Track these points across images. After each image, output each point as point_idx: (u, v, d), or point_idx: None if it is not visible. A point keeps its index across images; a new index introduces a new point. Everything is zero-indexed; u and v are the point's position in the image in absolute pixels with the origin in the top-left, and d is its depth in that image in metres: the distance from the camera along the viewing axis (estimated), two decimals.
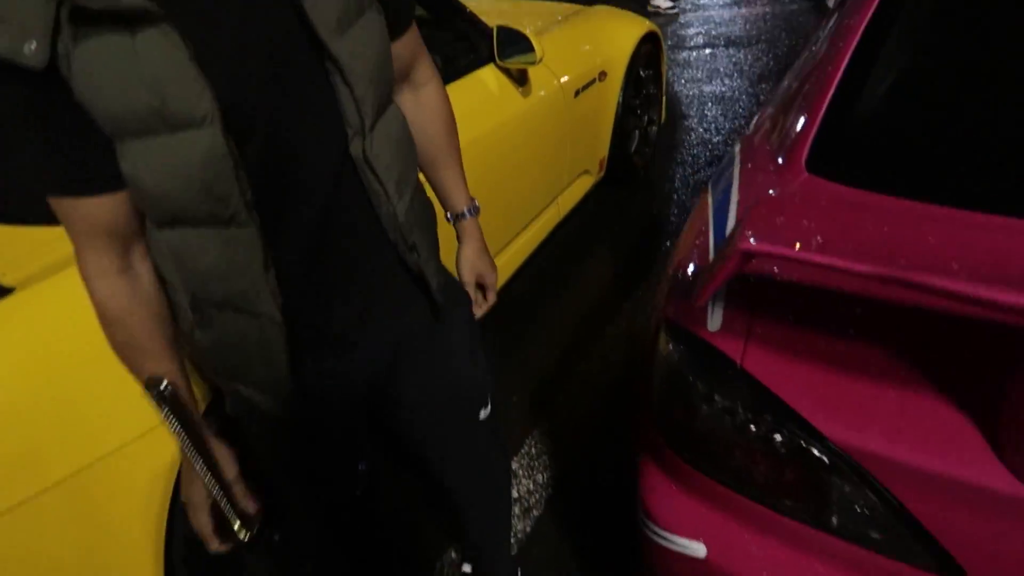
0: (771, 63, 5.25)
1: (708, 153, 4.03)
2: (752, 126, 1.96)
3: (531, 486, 2.16)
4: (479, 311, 1.41)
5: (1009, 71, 1.44)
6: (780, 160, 1.54)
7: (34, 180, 0.89)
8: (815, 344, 1.10)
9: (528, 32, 2.37)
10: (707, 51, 5.62)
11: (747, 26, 6.12)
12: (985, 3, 1.60)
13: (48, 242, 1.38)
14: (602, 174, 3.36)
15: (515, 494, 2.14)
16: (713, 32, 6.07)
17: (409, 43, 1.14)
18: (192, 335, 1.03)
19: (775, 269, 1.11)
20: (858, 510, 1.04)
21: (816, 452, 1.04)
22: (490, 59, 2.44)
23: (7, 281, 1.33)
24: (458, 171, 1.32)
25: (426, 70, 1.21)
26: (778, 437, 1.07)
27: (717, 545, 1.17)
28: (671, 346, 1.23)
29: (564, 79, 2.78)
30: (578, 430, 2.34)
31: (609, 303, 2.91)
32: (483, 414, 1.38)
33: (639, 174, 3.74)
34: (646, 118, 3.67)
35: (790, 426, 1.06)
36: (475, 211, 1.36)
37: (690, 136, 4.25)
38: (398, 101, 1.17)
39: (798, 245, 0.90)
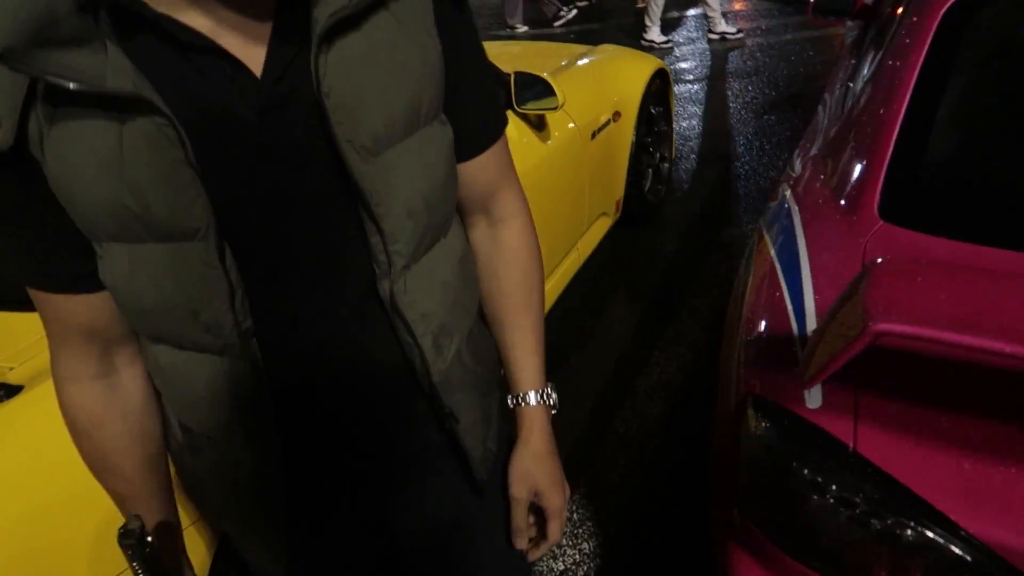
0: (773, 95, 5.20)
1: (722, 188, 3.95)
2: (797, 167, 1.86)
3: (577, 556, 2.01)
4: (534, 552, 1.03)
5: None
6: (845, 206, 1.43)
7: (8, 265, 0.76)
8: (939, 421, 0.98)
9: (547, 76, 2.28)
10: (707, 84, 5.58)
11: (743, 58, 6.10)
12: None
13: None
14: (619, 215, 3.26)
15: (561, 566, 1.99)
16: (710, 65, 6.04)
17: (489, 166, 0.88)
18: (181, 458, 0.89)
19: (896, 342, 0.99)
20: None
21: (956, 550, 0.91)
22: (507, 106, 2.34)
23: (15, 378, 1.20)
24: (532, 339, 0.97)
25: (510, 203, 0.93)
26: (908, 533, 0.94)
27: None
28: (764, 425, 1.10)
29: (580, 122, 2.69)
30: (620, 491, 2.20)
31: (637, 352, 2.79)
32: None
33: (654, 212, 3.64)
34: (658, 155, 3.59)
35: (922, 520, 0.93)
36: (548, 401, 0.98)
37: (701, 171, 4.17)
38: (472, 235, 0.95)
39: (943, 326, 0.78)
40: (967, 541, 0.90)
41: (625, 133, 3.12)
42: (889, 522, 0.95)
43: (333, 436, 0.88)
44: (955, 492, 0.92)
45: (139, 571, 0.79)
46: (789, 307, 1.26)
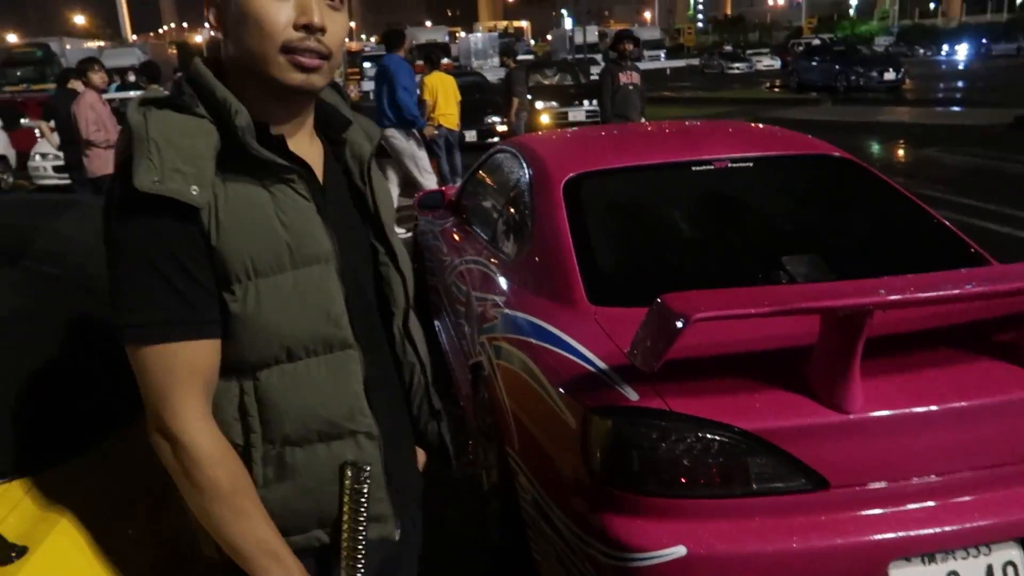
0: None
1: None
2: (499, 300, 2.61)
3: None
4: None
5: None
6: (568, 303, 2.21)
7: (148, 318, 0.98)
8: (702, 377, 1.76)
9: None
10: None
11: None
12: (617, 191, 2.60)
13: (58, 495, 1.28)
14: None
15: None
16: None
17: None
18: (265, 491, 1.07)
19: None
20: (764, 470, 1.68)
21: (736, 442, 1.66)
22: None
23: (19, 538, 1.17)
24: None
25: None
26: (714, 441, 1.66)
27: (689, 540, 1.67)
28: (611, 423, 1.74)
29: None
30: None
31: None
32: None
33: None
34: None
35: (716, 431, 1.67)
36: None
37: None
38: None
39: (722, 308, 1.56)
40: (742, 433, 1.66)
41: None
42: (701, 440, 1.67)
43: (395, 436, 1.21)
44: (726, 411, 1.68)
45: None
46: (574, 358, 1.95)
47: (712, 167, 2.70)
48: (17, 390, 1.41)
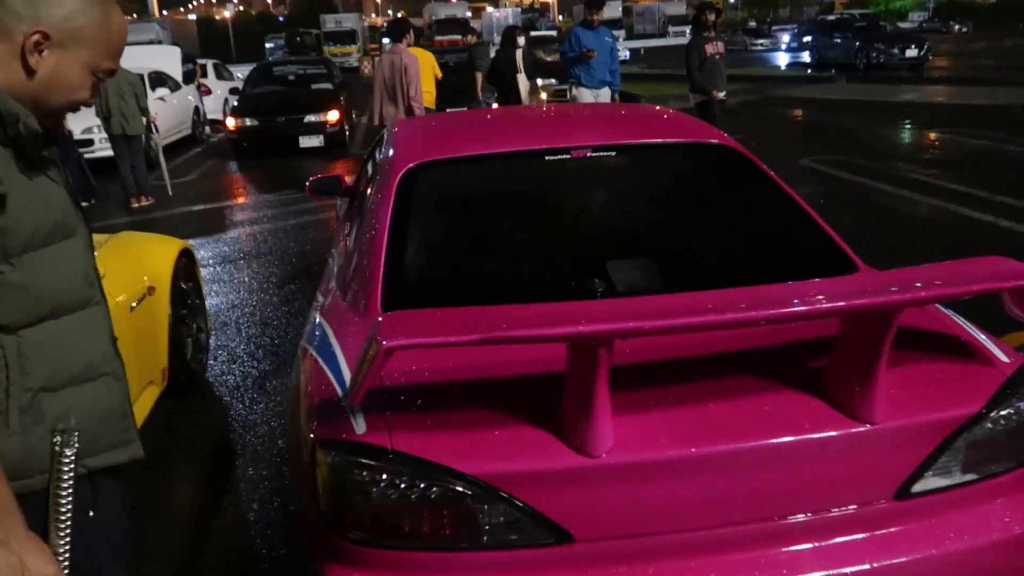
0: (289, 268, 5.86)
1: (257, 350, 4.33)
2: (320, 299, 2.38)
3: None
4: None
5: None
6: (361, 310, 1.98)
7: None
8: (442, 408, 1.51)
9: None
10: (228, 266, 6.01)
11: (258, 242, 6.72)
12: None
13: None
14: (166, 383, 3.41)
15: None
16: (227, 250, 6.51)
17: None
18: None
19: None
20: (498, 521, 1.44)
21: (464, 488, 1.42)
22: None
23: None
24: None
25: None
26: (435, 489, 1.43)
27: None
28: (331, 457, 1.51)
29: (119, 297, 2.87)
30: None
31: (196, 525, 2.87)
32: None
33: (199, 379, 3.85)
34: (195, 326, 3.85)
35: (444, 477, 1.43)
36: None
37: (238, 339, 4.50)
38: None
39: (425, 336, 1.32)
40: (470, 480, 1.42)
41: (161, 306, 3.35)
42: (423, 486, 1.43)
43: None
44: (457, 452, 1.44)
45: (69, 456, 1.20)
46: (332, 379, 1.72)
47: (568, 156, 2.42)
48: None
